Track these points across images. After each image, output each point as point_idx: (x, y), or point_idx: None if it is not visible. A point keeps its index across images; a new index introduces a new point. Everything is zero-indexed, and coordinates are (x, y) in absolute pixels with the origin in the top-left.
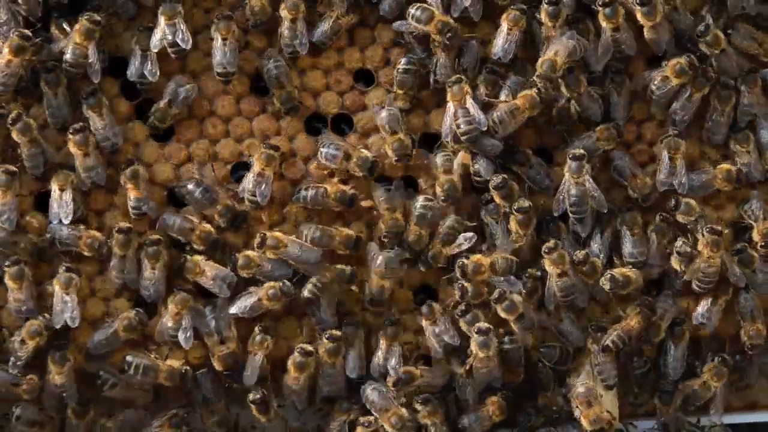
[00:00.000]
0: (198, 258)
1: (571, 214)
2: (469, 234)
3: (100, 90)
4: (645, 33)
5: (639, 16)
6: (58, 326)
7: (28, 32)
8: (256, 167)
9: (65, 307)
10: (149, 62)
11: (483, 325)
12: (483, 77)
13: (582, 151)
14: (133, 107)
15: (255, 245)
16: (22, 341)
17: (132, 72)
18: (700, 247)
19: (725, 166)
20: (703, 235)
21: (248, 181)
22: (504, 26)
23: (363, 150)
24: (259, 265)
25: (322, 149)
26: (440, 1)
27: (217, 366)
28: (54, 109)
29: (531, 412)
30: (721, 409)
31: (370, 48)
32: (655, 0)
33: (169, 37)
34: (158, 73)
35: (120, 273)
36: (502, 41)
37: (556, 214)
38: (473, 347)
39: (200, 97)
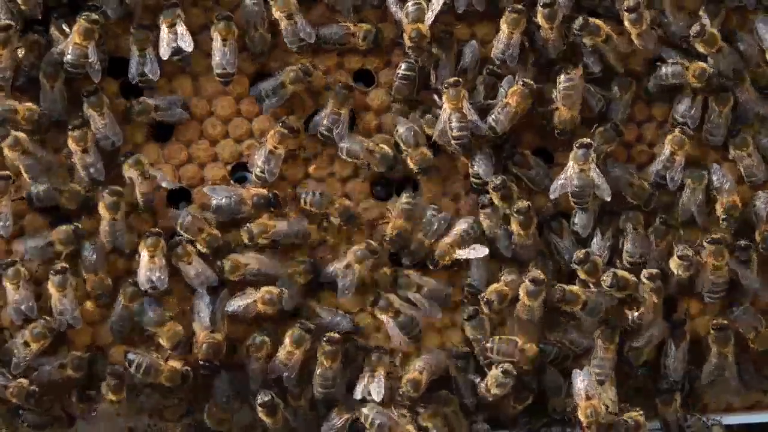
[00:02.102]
0: (192, 249)
1: (573, 204)
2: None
3: (101, 89)
4: (633, 38)
5: (626, 23)
6: (62, 329)
7: (8, 21)
8: (269, 144)
9: (64, 309)
10: (149, 61)
11: (510, 367)
12: (482, 78)
13: (589, 139)
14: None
15: (246, 240)
16: (26, 344)
17: (132, 73)
18: (704, 257)
19: (735, 200)
20: (704, 246)
21: (259, 156)
22: (504, 29)
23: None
24: (246, 264)
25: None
26: (435, 8)
27: (199, 354)
28: (49, 103)
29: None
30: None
31: (371, 48)
32: (641, 8)
33: (174, 45)
34: (159, 72)
35: (111, 237)
36: (504, 46)
37: (552, 197)
38: (490, 382)
39: (200, 97)
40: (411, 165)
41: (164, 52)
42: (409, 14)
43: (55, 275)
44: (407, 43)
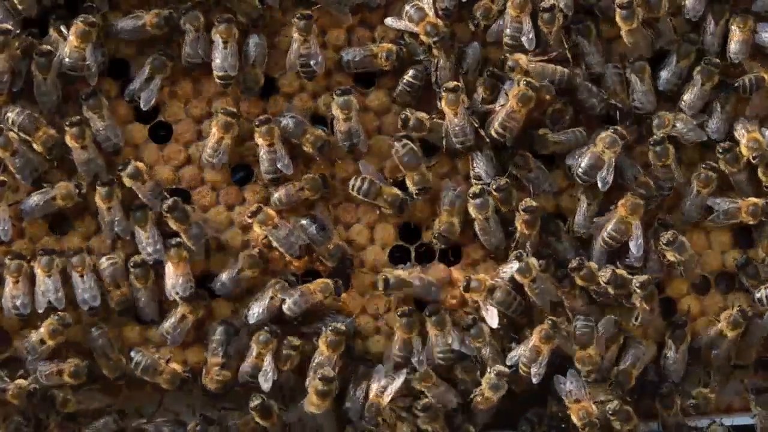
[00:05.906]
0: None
1: (580, 181)
2: None
3: (100, 91)
4: (623, 36)
5: (618, 19)
6: (41, 310)
7: (8, 26)
8: (216, 134)
9: (47, 289)
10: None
11: (503, 368)
12: (483, 80)
13: (622, 131)
14: (132, 109)
15: (248, 214)
16: (42, 341)
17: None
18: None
19: (752, 199)
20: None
21: (207, 146)
22: (510, 12)
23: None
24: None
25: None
26: (432, 3)
27: (209, 385)
28: (43, 96)
29: (533, 420)
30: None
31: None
32: (634, 6)
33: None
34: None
35: (110, 226)
36: (513, 29)
37: (567, 163)
38: (483, 386)
39: (200, 98)
40: (408, 184)
41: (189, 53)
42: (413, 18)
43: (41, 257)
44: (429, 41)
